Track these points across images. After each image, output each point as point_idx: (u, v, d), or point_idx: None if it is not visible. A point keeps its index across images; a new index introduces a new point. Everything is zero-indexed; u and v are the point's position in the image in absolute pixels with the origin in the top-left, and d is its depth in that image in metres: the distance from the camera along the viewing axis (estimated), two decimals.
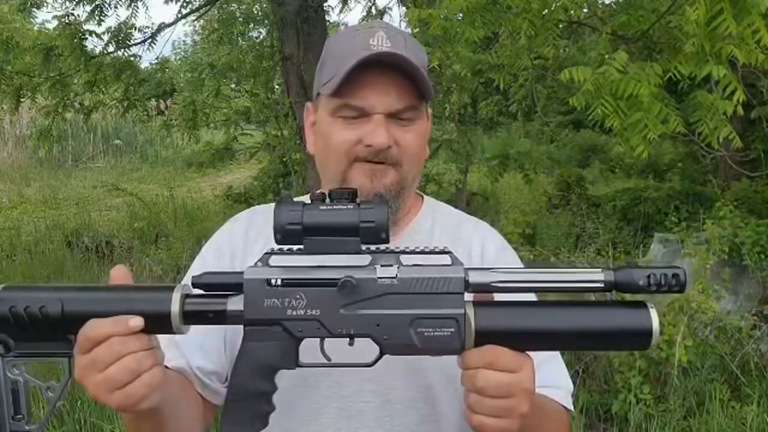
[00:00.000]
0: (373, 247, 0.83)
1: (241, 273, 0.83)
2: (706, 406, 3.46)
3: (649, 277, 0.79)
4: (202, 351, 1.03)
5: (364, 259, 0.84)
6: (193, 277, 0.84)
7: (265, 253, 0.84)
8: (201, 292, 0.85)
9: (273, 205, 1.21)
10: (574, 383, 1.12)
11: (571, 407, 1.07)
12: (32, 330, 0.82)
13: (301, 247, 0.82)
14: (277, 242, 0.82)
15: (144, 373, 0.79)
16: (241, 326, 1.05)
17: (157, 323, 0.81)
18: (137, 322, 0.79)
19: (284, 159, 7.68)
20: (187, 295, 0.84)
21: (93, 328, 0.79)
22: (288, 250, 0.84)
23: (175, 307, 0.81)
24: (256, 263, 0.84)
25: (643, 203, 7.36)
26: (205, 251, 1.14)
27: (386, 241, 0.81)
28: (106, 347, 0.78)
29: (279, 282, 0.82)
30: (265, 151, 8.22)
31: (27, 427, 0.84)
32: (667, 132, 2.77)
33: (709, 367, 3.69)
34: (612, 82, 2.59)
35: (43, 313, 0.81)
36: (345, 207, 0.81)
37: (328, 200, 0.82)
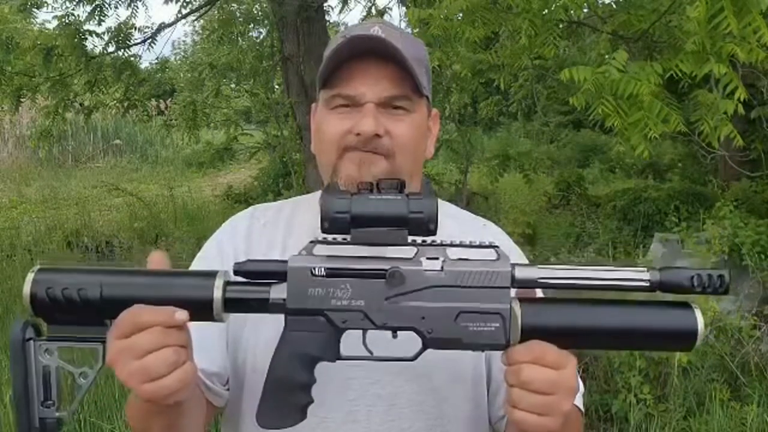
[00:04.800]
0: (419, 240, 0.81)
1: (285, 261, 0.81)
2: (706, 406, 3.46)
3: (693, 278, 0.77)
4: (204, 351, 1.00)
5: (410, 251, 0.82)
6: (235, 264, 0.82)
7: (310, 242, 0.83)
8: (242, 279, 0.82)
9: (273, 204, 1.22)
10: None
11: (582, 408, 1.07)
12: (68, 313, 0.79)
13: (347, 237, 0.81)
14: (324, 231, 0.80)
15: (179, 368, 0.77)
16: (245, 322, 1.04)
17: (198, 310, 0.79)
18: (183, 315, 0.77)
19: (284, 159, 7.68)
20: (229, 282, 0.82)
21: (137, 313, 0.76)
22: (333, 239, 0.82)
23: (217, 294, 0.79)
24: (300, 252, 0.82)
25: (643, 203, 7.35)
26: (206, 250, 1.12)
27: (434, 233, 0.79)
28: (147, 335, 0.75)
29: (323, 271, 0.80)
30: (265, 151, 8.22)
31: (57, 414, 0.81)
32: (668, 131, 2.77)
33: (709, 367, 3.68)
34: (612, 82, 2.59)
35: (81, 297, 0.78)
36: (394, 197, 0.79)
37: (375, 190, 0.81)
